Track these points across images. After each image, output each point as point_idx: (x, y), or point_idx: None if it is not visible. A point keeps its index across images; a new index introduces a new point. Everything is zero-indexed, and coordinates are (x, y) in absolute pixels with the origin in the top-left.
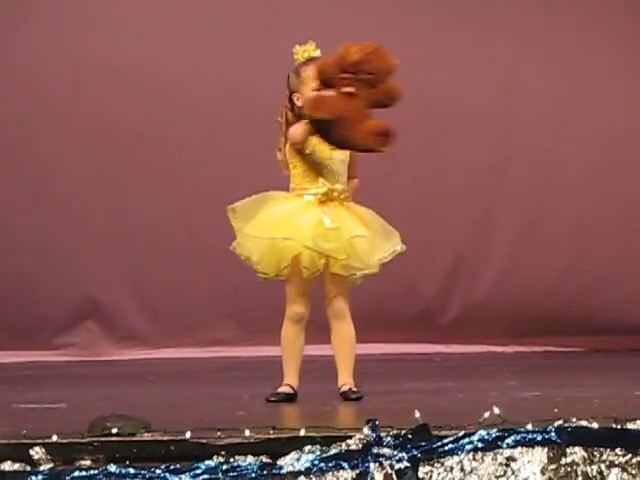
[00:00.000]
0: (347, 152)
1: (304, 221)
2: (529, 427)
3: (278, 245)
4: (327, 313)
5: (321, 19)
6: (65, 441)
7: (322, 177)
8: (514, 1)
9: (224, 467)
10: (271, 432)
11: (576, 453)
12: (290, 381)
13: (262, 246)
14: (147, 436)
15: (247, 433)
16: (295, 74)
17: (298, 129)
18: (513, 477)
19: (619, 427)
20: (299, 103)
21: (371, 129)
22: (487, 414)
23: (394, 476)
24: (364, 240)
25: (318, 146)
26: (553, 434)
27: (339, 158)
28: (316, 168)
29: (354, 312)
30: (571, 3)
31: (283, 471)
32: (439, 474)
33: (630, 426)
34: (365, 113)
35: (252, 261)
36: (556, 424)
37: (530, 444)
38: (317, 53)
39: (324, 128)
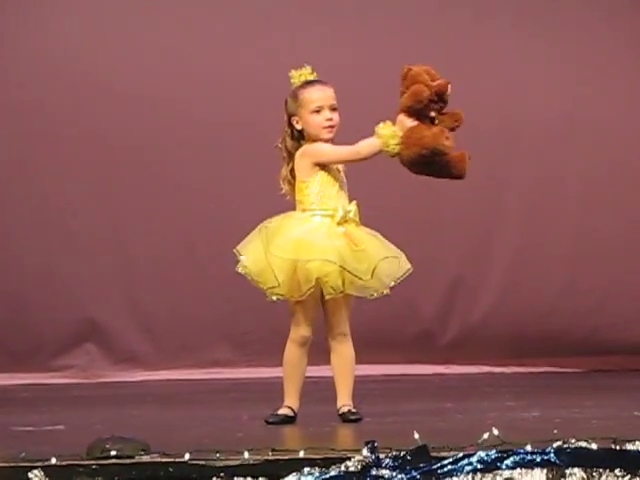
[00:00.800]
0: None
1: (333, 243)
2: (528, 448)
3: (303, 267)
4: (327, 335)
5: (319, 28)
6: (64, 464)
7: (336, 198)
8: (515, 10)
9: None
10: (270, 454)
11: (575, 474)
12: (290, 403)
13: (286, 267)
14: (146, 458)
15: (246, 455)
16: (293, 98)
17: (372, 149)
18: None
19: (618, 448)
20: (298, 127)
21: (462, 159)
22: (486, 435)
23: None
24: (390, 261)
25: (329, 167)
26: (552, 455)
27: (344, 179)
28: (330, 188)
29: (353, 333)
30: (574, 12)
31: None
32: None
33: (629, 447)
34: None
35: (261, 282)
36: (555, 445)
37: (529, 465)
38: (313, 77)
39: (432, 162)
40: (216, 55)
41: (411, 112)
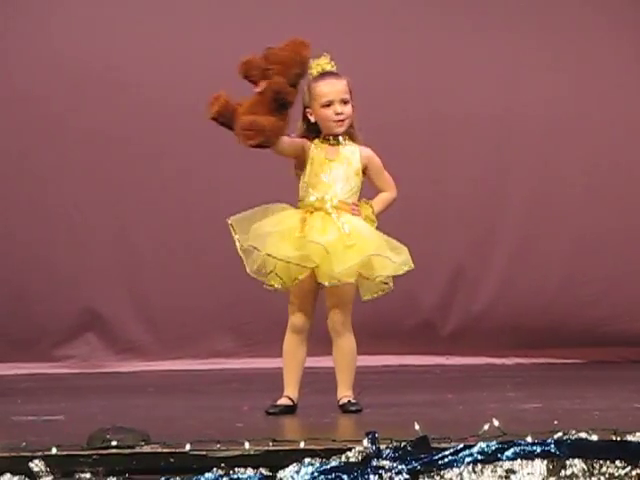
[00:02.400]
0: (355, 164)
1: (279, 231)
2: (529, 439)
3: (260, 257)
4: (328, 327)
5: (322, 24)
6: (65, 453)
7: (315, 187)
8: (514, 9)
9: (224, 479)
10: (271, 444)
11: (576, 465)
12: (289, 393)
13: (257, 258)
14: (146, 448)
15: (247, 445)
16: (307, 89)
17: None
18: None
19: (619, 439)
20: (312, 119)
21: (239, 125)
22: (487, 426)
23: None
24: (317, 246)
25: (316, 158)
26: (553, 446)
27: (341, 169)
28: (310, 178)
29: (354, 324)
30: (578, 9)
31: None
32: None
33: (630, 438)
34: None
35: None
36: (556, 436)
37: (530, 456)
38: (331, 66)
39: (228, 127)
40: (222, 51)
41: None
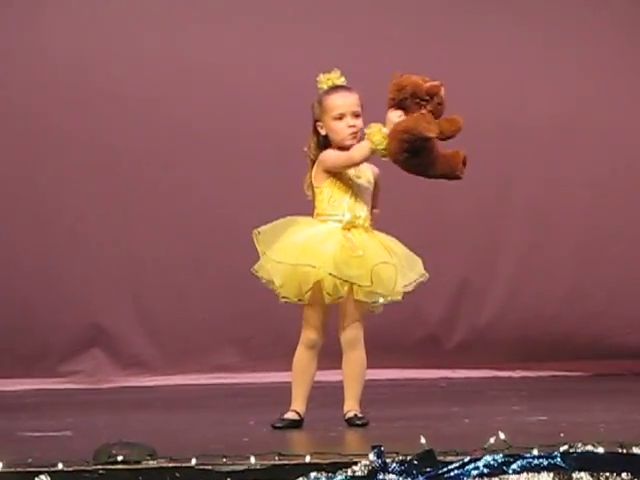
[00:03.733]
0: (371, 180)
1: (327, 248)
2: (535, 452)
3: (300, 270)
4: (340, 340)
5: (325, 28)
6: (71, 469)
7: (346, 203)
8: (518, 13)
9: None
10: (277, 458)
11: (582, 478)
12: (297, 407)
13: (284, 271)
14: (153, 463)
15: (253, 460)
16: (318, 103)
17: (364, 151)
18: None
19: (625, 452)
20: (323, 132)
21: (456, 155)
22: (493, 439)
23: None
24: (388, 267)
25: (344, 174)
26: (559, 459)
27: (364, 186)
28: (341, 194)
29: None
30: (582, 12)
31: None
32: None
33: (636, 450)
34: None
35: (274, 284)
36: (562, 449)
37: (536, 469)
38: (341, 81)
39: (416, 149)
40: (224, 58)
41: (395, 104)
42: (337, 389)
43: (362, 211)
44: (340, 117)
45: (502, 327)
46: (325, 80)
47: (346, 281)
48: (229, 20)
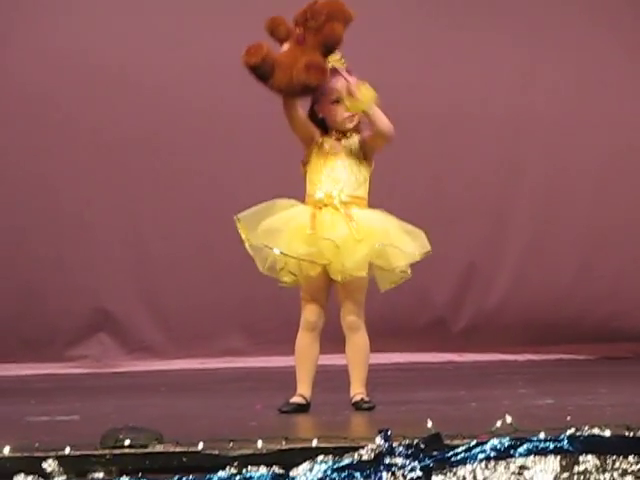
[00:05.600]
0: (355, 156)
1: (290, 228)
2: (542, 436)
3: (271, 254)
4: (342, 324)
5: None
6: (78, 453)
7: (321, 182)
8: (524, 6)
9: (237, 478)
10: (283, 443)
11: (589, 461)
12: (302, 391)
13: (268, 256)
14: (159, 448)
15: (259, 444)
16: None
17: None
18: None
19: (632, 435)
20: (320, 115)
21: (303, 64)
22: (499, 423)
23: None
24: (332, 243)
25: (321, 153)
26: (566, 442)
27: (344, 164)
28: (317, 174)
29: (367, 321)
30: (585, 6)
31: None
32: None
33: None
34: (306, 56)
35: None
36: (568, 432)
37: (543, 453)
38: (341, 63)
39: (264, 76)
40: (228, 48)
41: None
42: (343, 373)
43: (335, 190)
44: (338, 100)
45: (509, 311)
46: (331, 61)
47: (292, 257)
48: (234, 10)
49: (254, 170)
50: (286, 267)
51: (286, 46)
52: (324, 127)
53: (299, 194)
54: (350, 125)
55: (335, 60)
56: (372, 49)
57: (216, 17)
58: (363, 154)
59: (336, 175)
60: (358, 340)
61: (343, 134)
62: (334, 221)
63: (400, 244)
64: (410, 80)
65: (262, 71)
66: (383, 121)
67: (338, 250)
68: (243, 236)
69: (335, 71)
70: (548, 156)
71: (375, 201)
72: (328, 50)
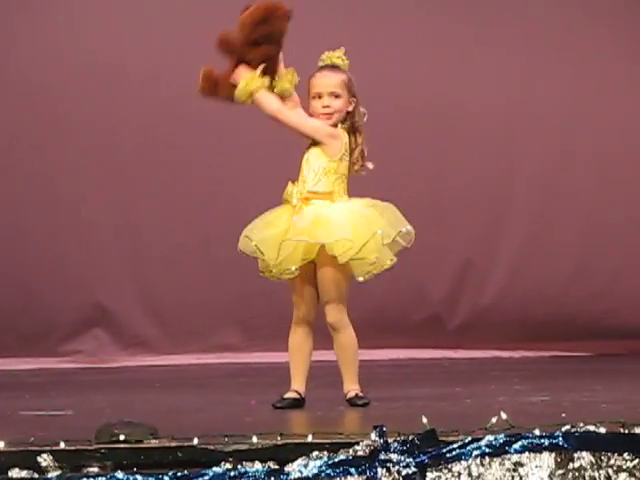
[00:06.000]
0: (314, 154)
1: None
2: (536, 432)
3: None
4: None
5: (329, 21)
6: (73, 448)
7: (298, 180)
8: (524, 3)
9: (231, 473)
10: (278, 438)
11: (584, 458)
12: (297, 387)
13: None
14: (154, 443)
15: (254, 439)
16: (309, 80)
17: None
18: None
19: (627, 432)
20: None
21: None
22: (494, 419)
23: None
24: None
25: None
26: (560, 439)
27: (309, 160)
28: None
29: (362, 318)
30: (584, 7)
31: (290, 477)
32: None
33: (638, 430)
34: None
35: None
36: (564, 429)
37: (538, 449)
38: (340, 60)
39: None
40: None
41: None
42: (337, 368)
43: (298, 187)
44: (317, 96)
45: (504, 308)
46: (325, 58)
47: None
48: (234, 10)
49: (251, 167)
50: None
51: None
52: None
53: None
54: (326, 122)
55: (336, 57)
56: (371, 47)
57: (216, 17)
58: (320, 147)
59: (302, 171)
60: (343, 338)
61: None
62: (281, 218)
63: (327, 236)
64: (408, 77)
65: (211, 93)
66: (265, 109)
67: (264, 248)
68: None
69: (325, 67)
70: (545, 154)
71: (370, 197)
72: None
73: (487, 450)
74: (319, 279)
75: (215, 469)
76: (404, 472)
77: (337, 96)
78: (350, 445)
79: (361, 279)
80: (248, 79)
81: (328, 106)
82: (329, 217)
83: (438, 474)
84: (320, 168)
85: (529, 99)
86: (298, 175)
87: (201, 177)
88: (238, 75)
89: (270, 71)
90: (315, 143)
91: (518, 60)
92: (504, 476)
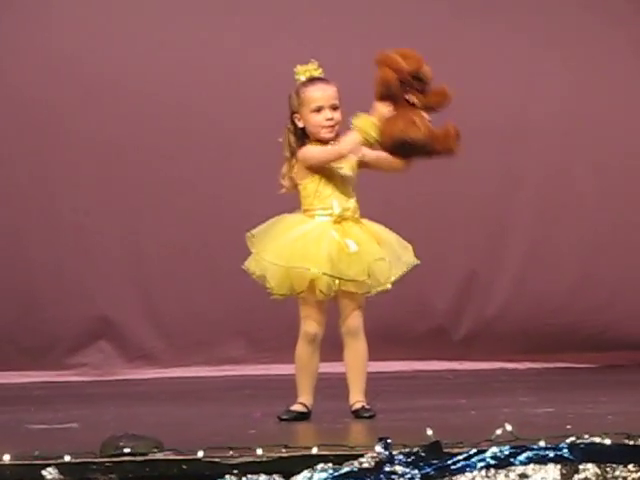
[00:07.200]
0: (354, 166)
1: (322, 246)
2: (542, 444)
3: (294, 272)
4: (342, 330)
5: (324, 22)
6: (78, 461)
7: (334, 196)
8: (523, 9)
9: None
10: (283, 450)
11: (589, 469)
12: (304, 399)
13: (278, 271)
14: (159, 455)
15: (259, 452)
16: (295, 95)
17: (353, 144)
18: None
19: (632, 443)
20: (300, 124)
21: (448, 133)
22: (499, 431)
23: None
24: (384, 263)
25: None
26: (566, 451)
27: (348, 175)
28: (328, 187)
29: (367, 329)
30: (586, 7)
31: None
32: None
33: None
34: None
35: (266, 281)
36: (569, 441)
37: (543, 461)
38: (319, 72)
39: (408, 150)
40: (226, 54)
41: (383, 98)
42: (343, 380)
43: (349, 202)
44: (318, 110)
45: (509, 319)
46: (303, 71)
47: (343, 279)
48: (233, 16)
49: (253, 177)
50: (314, 285)
51: (386, 106)
52: (303, 136)
53: (296, 201)
54: (330, 135)
55: (312, 69)
56: (370, 58)
57: (217, 25)
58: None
59: (347, 187)
60: (358, 346)
61: (324, 144)
62: (364, 238)
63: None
64: None
65: (413, 145)
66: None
67: (372, 269)
68: (255, 252)
69: (316, 80)
70: (548, 164)
71: (374, 210)
72: (435, 110)
73: (492, 462)
74: (347, 289)
75: None
76: None
77: (336, 108)
78: (355, 457)
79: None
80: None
81: (332, 118)
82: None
83: None
84: (353, 189)
85: (530, 110)
86: (327, 189)
87: (205, 188)
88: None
89: None
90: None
91: (519, 70)
92: None
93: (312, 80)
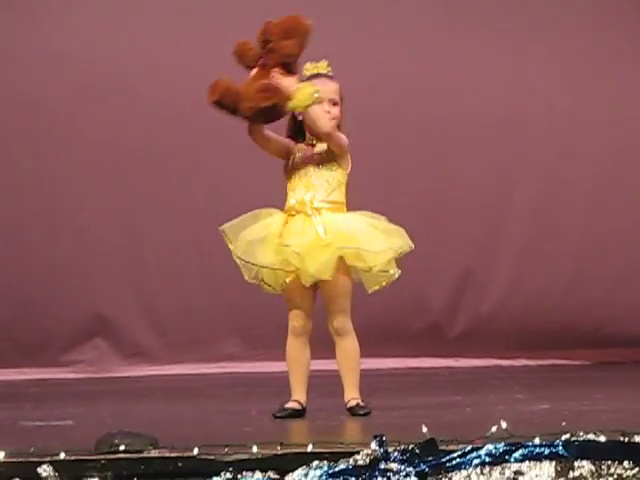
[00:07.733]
0: (327, 161)
1: (261, 238)
2: (537, 441)
3: (247, 267)
4: (328, 329)
5: (324, 22)
6: (73, 458)
7: (295, 190)
8: (519, 11)
9: None
10: (278, 448)
11: (584, 467)
12: (298, 397)
13: (244, 267)
14: (155, 453)
15: (254, 449)
16: None
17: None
18: None
19: (627, 440)
20: (300, 118)
21: (254, 89)
22: (495, 428)
23: None
24: (293, 250)
25: (296, 160)
26: (561, 448)
27: (314, 170)
28: (292, 181)
29: (362, 327)
30: (579, 10)
31: None
32: None
33: (638, 439)
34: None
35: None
36: (564, 438)
37: (538, 458)
38: (327, 71)
39: (229, 110)
40: (226, 55)
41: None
42: (338, 377)
43: (307, 195)
44: (316, 101)
45: (504, 316)
46: (311, 68)
47: (278, 269)
48: (233, 16)
49: (251, 178)
50: (262, 276)
51: (254, 71)
52: (302, 131)
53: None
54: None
55: (322, 67)
56: (367, 57)
57: (218, 26)
58: (335, 158)
59: (309, 181)
60: (346, 345)
61: (318, 139)
62: (304, 228)
63: (368, 245)
64: (406, 86)
65: (225, 106)
66: (320, 122)
67: (300, 257)
68: (230, 247)
69: (319, 75)
70: (543, 163)
71: (370, 208)
72: (287, 68)
73: (487, 459)
74: (329, 288)
75: (215, 479)
76: None
77: (335, 103)
78: (350, 454)
79: (371, 291)
80: (309, 87)
81: (329, 112)
82: (362, 228)
83: None
84: (335, 179)
85: (527, 110)
86: (292, 183)
87: (200, 188)
88: (287, 83)
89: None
90: (327, 154)
91: (514, 70)
92: None
93: (315, 75)
